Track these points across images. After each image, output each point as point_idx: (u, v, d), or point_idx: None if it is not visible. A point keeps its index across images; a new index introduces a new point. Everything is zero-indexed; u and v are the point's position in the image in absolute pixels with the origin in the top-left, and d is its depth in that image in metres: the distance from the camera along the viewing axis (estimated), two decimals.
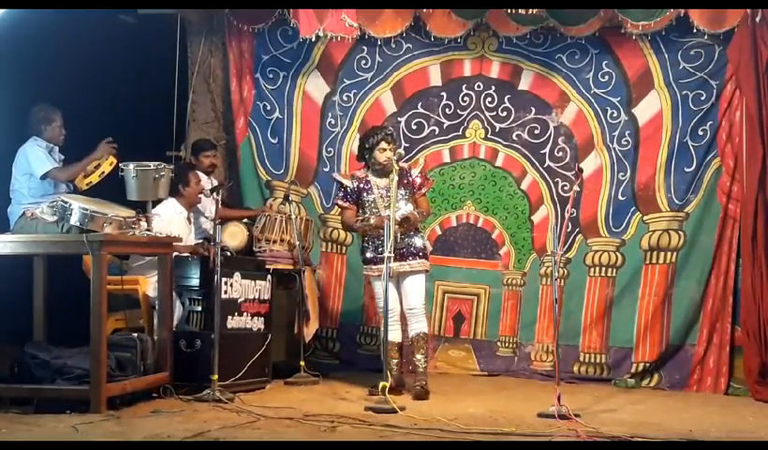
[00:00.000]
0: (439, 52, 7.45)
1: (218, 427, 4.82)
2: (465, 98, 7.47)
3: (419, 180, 6.32)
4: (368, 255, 6.26)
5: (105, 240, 5.34)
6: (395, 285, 6.17)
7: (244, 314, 6.26)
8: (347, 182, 6.37)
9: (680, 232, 7.04)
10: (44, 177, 6.03)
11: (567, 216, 6.23)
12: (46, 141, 6.12)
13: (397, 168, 6.01)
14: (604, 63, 7.22)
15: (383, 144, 6.20)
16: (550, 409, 5.27)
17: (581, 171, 6.40)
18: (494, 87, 7.42)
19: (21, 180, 6.08)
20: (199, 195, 6.75)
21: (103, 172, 6.20)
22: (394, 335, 6.16)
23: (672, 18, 6.77)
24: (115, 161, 6.13)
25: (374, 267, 6.19)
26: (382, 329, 5.83)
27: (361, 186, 6.29)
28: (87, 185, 6.19)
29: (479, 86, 7.45)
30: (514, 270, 7.42)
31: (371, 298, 7.06)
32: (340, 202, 6.42)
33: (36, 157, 6.05)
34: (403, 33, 7.32)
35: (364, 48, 7.49)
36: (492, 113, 7.43)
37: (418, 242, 6.25)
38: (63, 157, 6.25)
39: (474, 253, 7.49)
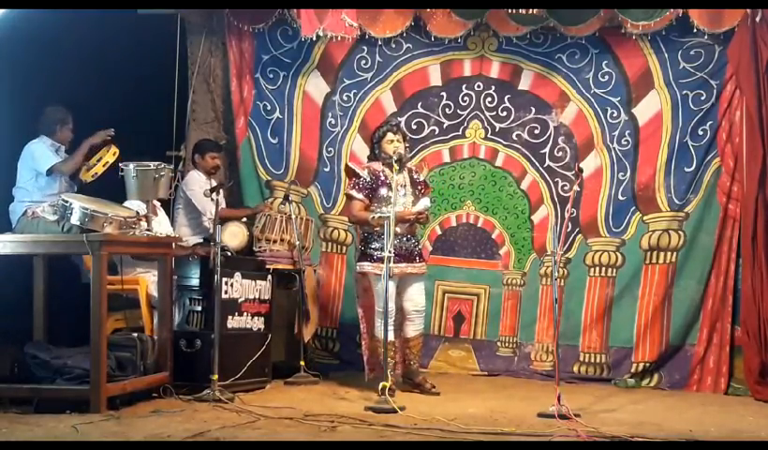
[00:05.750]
0: (439, 52, 7.45)
1: (218, 427, 4.82)
2: (465, 98, 7.47)
3: (423, 186, 6.40)
4: (379, 252, 5.99)
5: (105, 240, 5.33)
6: (395, 285, 6.16)
7: (245, 314, 6.26)
8: (362, 173, 6.26)
9: (680, 232, 7.04)
10: (49, 172, 6.10)
11: (567, 215, 6.24)
12: (56, 141, 6.27)
13: (401, 164, 6.05)
14: (604, 63, 7.22)
15: (389, 136, 6.25)
16: (550, 409, 5.26)
17: (581, 170, 6.41)
18: (494, 87, 7.42)
19: (26, 177, 6.15)
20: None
21: (107, 163, 6.21)
22: (391, 334, 6.16)
23: (672, 18, 6.77)
24: (118, 151, 6.14)
25: (382, 265, 5.81)
26: (381, 329, 5.85)
27: (377, 179, 6.22)
28: (93, 176, 6.22)
29: (479, 86, 7.45)
30: (514, 270, 7.42)
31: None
32: (352, 193, 6.23)
33: (41, 154, 6.18)
34: (403, 33, 7.32)
35: (364, 48, 7.49)
36: (492, 113, 7.43)
37: (419, 244, 6.33)
38: (67, 156, 6.31)
39: (474, 253, 7.48)
